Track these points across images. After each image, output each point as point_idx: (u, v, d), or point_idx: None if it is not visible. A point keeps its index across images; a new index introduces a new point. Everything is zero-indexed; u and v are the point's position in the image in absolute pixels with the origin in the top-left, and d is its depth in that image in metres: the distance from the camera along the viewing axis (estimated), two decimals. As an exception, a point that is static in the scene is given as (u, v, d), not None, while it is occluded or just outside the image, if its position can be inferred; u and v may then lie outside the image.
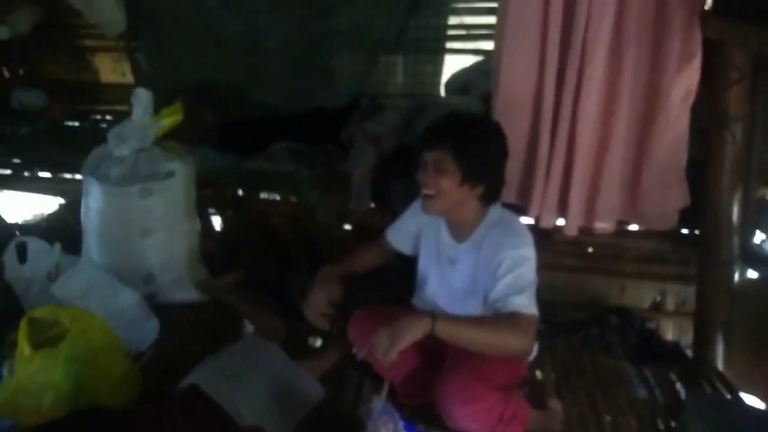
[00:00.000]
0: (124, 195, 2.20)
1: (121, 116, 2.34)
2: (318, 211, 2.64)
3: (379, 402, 1.40)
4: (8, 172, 3.35)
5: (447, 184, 1.63)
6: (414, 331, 1.48)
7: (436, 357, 1.81)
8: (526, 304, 1.57)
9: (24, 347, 1.54)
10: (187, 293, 2.35)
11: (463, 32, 3.08)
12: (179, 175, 2.29)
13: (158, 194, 2.23)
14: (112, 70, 3.63)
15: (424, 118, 2.73)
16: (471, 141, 1.63)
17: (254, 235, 2.85)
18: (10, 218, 3.18)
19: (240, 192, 2.98)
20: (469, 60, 3.14)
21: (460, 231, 1.78)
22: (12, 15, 3.21)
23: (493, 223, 1.73)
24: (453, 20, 2.99)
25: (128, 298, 2.06)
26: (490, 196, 1.72)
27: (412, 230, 1.92)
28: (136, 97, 2.24)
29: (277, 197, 2.97)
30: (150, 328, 2.10)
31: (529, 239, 1.69)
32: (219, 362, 1.78)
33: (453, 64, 3.14)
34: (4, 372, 1.59)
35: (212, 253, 2.67)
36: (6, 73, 3.68)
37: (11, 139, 3.31)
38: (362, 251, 1.99)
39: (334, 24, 2.92)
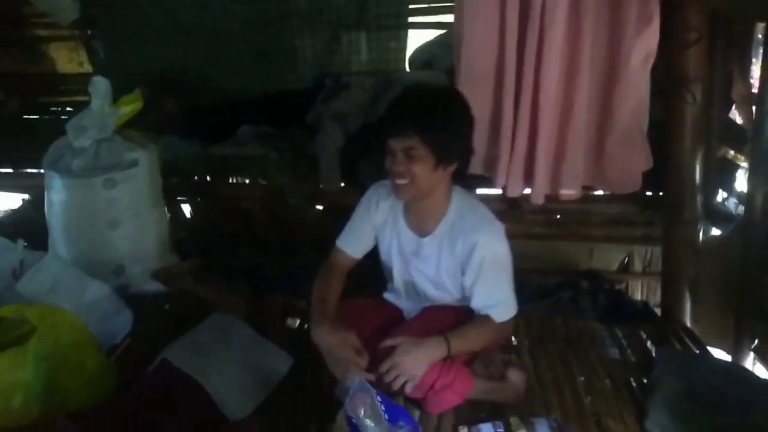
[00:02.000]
0: (88, 187, 2.17)
1: (82, 107, 2.29)
2: (288, 194, 2.62)
3: (354, 379, 1.41)
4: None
5: (421, 171, 1.55)
6: (432, 359, 1.56)
7: None
8: (506, 312, 1.70)
9: (-12, 349, 1.50)
10: (159, 283, 2.33)
11: (424, 5, 3.06)
12: (143, 164, 2.25)
13: (123, 184, 2.20)
14: (68, 59, 3.52)
15: (390, 95, 2.71)
16: (438, 121, 1.54)
17: (225, 220, 2.83)
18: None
19: (208, 178, 2.95)
20: (432, 34, 3.12)
21: (422, 222, 1.73)
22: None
23: (459, 214, 1.68)
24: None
25: (98, 291, 2.02)
26: (462, 170, 1.68)
27: (366, 232, 1.82)
28: (94, 86, 2.19)
29: (246, 181, 2.94)
30: (123, 320, 2.07)
31: (499, 229, 1.69)
32: (187, 338, 1.82)
33: (416, 39, 3.12)
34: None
35: (183, 240, 2.66)
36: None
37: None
38: (325, 287, 1.76)
39: (294, 4, 2.88)
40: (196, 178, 2.92)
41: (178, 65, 3.05)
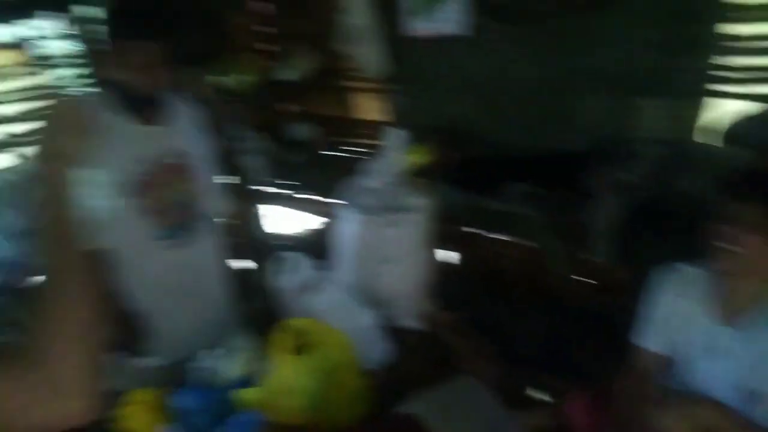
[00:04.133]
0: (373, 223, 2.40)
1: (373, 150, 2.54)
2: (550, 259, 2.53)
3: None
4: (280, 191, 3.86)
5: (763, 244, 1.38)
6: None
7: None
8: None
9: (281, 352, 1.71)
10: (415, 322, 2.44)
11: (736, 74, 2.73)
12: (422, 210, 2.43)
13: (402, 226, 2.39)
14: (370, 108, 3.88)
15: (682, 169, 2.48)
16: None
17: (482, 274, 2.83)
18: (278, 232, 3.62)
19: (471, 230, 3.01)
20: (735, 106, 2.76)
21: (732, 309, 1.51)
22: (294, 60, 3.75)
23: None
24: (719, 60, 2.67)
25: (366, 319, 2.17)
26: None
27: (673, 321, 1.61)
28: (390, 137, 2.45)
29: (509, 239, 2.93)
30: (380, 351, 2.18)
31: None
32: (436, 397, 1.78)
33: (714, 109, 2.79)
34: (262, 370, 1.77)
35: (440, 286, 2.73)
36: (285, 109, 4.20)
37: (284, 165, 3.82)
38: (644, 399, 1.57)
39: (586, 63, 2.80)
40: (460, 227, 2.98)
41: (463, 118, 3.17)
